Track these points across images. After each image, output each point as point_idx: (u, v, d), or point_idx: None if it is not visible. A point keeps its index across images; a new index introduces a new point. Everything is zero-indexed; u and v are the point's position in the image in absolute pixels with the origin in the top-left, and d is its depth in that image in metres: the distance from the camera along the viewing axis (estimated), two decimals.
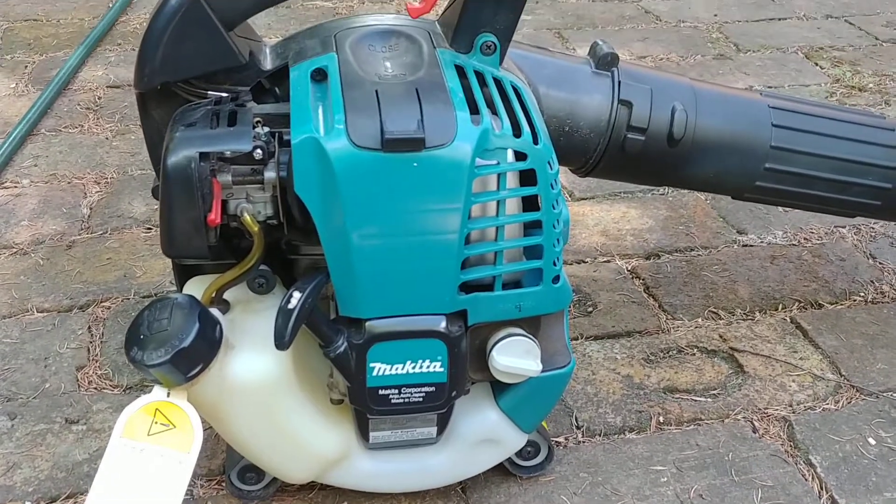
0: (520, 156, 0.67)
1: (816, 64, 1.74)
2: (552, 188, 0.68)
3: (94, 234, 1.19)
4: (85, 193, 1.28)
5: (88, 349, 0.99)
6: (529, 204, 0.70)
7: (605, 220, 1.25)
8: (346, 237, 0.65)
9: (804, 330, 1.04)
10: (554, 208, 0.68)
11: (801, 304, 1.08)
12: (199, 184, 0.65)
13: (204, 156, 0.65)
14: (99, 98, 1.55)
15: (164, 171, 0.65)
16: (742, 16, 1.97)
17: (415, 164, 0.64)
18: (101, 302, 1.06)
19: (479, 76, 0.71)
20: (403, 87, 0.67)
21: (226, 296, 0.72)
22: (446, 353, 0.68)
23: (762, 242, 1.20)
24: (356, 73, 0.69)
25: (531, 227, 0.69)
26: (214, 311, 0.70)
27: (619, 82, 0.81)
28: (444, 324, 0.68)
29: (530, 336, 0.70)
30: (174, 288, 1.08)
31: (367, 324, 0.68)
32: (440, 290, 0.67)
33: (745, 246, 1.20)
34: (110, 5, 1.91)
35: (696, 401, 0.93)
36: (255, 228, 0.68)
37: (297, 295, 0.65)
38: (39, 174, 1.32)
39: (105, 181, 1.31)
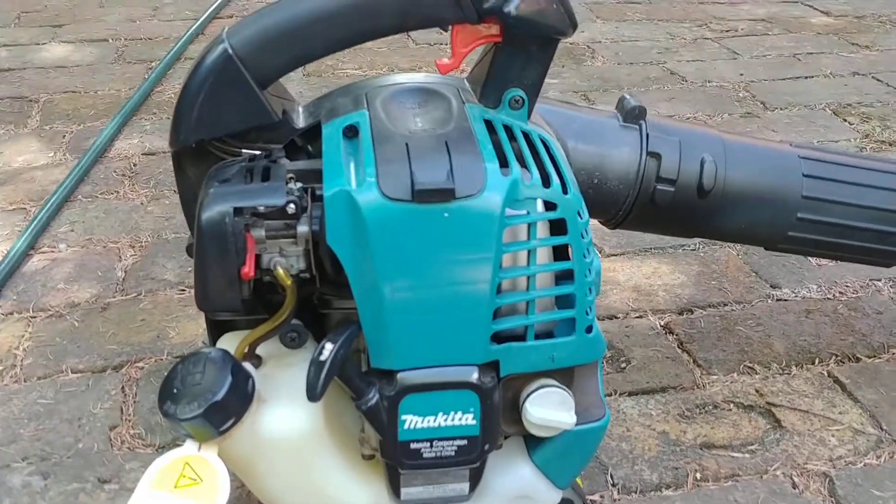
0: (549, 206, 0.67)
1: (845, 120, 1.74)
2: (583, 237, 0.68)
3: (128, 297, 1.20)
4: (120, 257, 1.30)
5: (122, 409, 0.99)
6: (560, 254, 0.70)
7: (636, 276, 1.24)
8: (377, 288, 0.65)
9: (842, 384, 1.02)
10: (585, 257, 0.68)
11: (839, 358, 1.07)
12: (232, 238, 0.66)
13: (238, 210, 0.66)
14: (134, 165, 1.58)
15: (199, 226, 0.66)
16: (768, 75, 1.98)
17: (445, 215, 0.64)
18: (135, 362, 1.07)
19: (508, 129, 0.72)
20: (433, 139, 0.68)
21: (258, 350, 0.73)
22: (479, 404, 0.68)
23: (796, 297, 1.19)
24: (387, 129, 0.70)
25: (562, 277, 0.69)
26: (247, 366, 0.70)
27: (648, 135, 0.82)
28: (476, 375, 0.67)
29: (564, 387, 0.70)
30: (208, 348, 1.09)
31: (399, 375, 0.67)
32: (472, 341, 0.67)
33: (780, 300, 1.19)
34: (146, 76, 1.96)
35: (733, 457, 0.92)
36: (288, 282, 0.68)
37: (329, 346, 0.66)
38: (76, 239, 1.35)
39: (139, 245, 1.33)
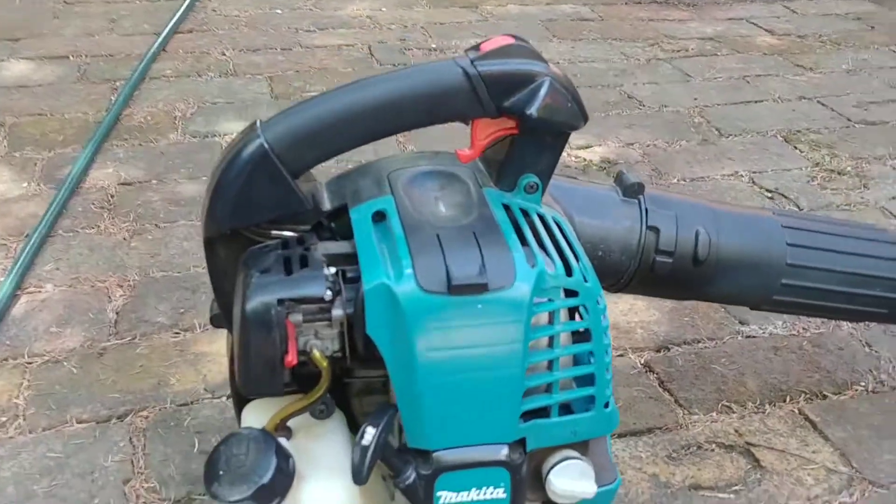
0: (570, 293, 0.73)
1: (796, 147, 1.83)
2: (601, 321, 0.73)
3: (123, 340, 1.22)
4: (109, 297, 1.31)
5: (132, 461, 1.02)
6: (580, 335, 0.75)
7: (614, 312, 1.30)
8: (414, 373, 0.70)
9: (813, 422, 1.10)
10: (604, 339, 0.74)
11: (807, 396, 1.15)
12: (276, 327, 0.70)
13: (281, 301, 0.70)
14: (111, 196, 1.59)
15: (244, 317, 0.70)
16: (721, 99, 2.06)
17: (479, 306, 0.69)
18: (139, 411, 1.10)
19: (525, 213, 0.77)
20: (461, 230, 0.73)
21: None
22: (509, 480, 0.73)
23: (764, 333, 1.27)
24: (414, 217, 0.74)
25: (581, 357, 0.75)
26: (283, 441, 0.74)
27: (647, 210, 0.87)
28: (506, 452, 0.72)
29: (584, 458, 0.75)
30: (209, 394, 1.13)
31: (434, 455, 0.72)
32: (503, 420, 0.72)
33: (749, 337, 1.26)
34: (112, 98, 1.95)
35: (720, 497, 0.99)
36: (324, 364, 0.72)
37: (370, 431, 0.70)
38: (62, 278, 1.36)
39: (128, 284, 1.34)
